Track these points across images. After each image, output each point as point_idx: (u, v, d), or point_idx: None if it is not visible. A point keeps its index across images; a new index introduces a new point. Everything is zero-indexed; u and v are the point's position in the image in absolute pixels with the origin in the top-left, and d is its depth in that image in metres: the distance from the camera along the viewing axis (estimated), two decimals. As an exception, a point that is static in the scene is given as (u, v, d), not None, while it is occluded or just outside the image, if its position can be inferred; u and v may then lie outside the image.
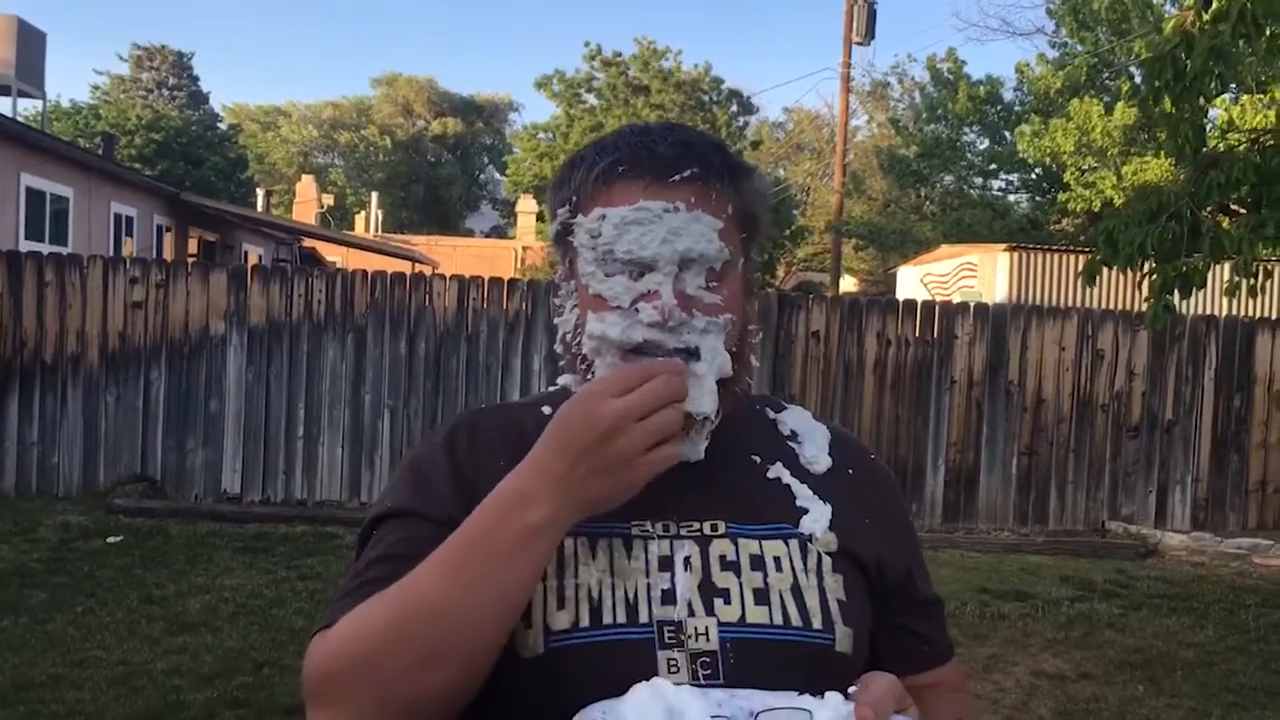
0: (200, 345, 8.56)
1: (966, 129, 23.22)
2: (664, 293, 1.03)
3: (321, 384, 8.64)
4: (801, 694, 0.93)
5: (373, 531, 1.10)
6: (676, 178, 1.05)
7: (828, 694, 0.92)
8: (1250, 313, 9.53)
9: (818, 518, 1.11)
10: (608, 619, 1.02)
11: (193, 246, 20.64)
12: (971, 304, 9.38)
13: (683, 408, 0.98)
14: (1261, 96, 13.27)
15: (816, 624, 1.05)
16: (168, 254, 18.56)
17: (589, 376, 1.08)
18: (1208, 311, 9.96)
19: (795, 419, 1.22)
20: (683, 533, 1.07)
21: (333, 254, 27.55)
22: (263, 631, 5.42)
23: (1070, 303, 13.57)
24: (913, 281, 19.06)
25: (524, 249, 31.60)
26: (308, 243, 26.57)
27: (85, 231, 15.41)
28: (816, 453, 1.17)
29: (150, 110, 34.93)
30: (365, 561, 1.06)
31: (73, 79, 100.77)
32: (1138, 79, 17.56)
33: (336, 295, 8.68)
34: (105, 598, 5.86)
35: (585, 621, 1.02)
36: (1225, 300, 7.42)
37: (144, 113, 33.78)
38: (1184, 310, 7.50)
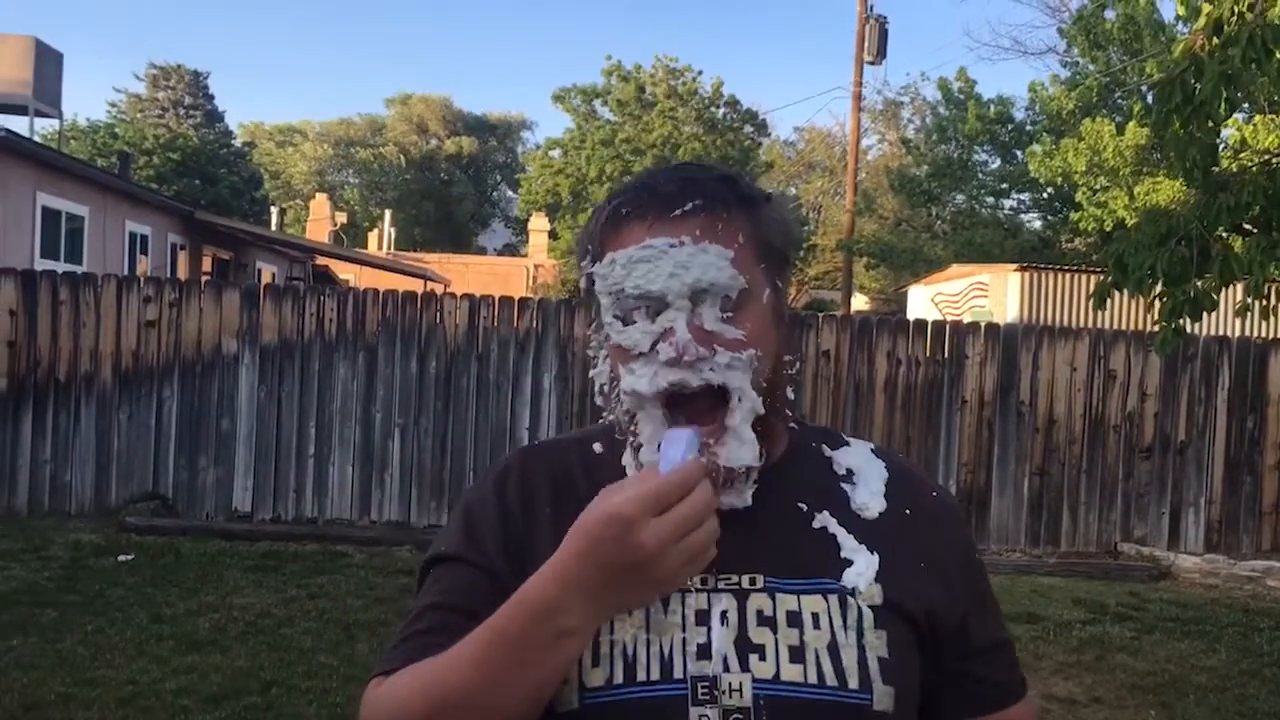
0: (213, 364, 8.60)
1: (977, 149, 23.22)
2: (678, 327, 1.03)
3: (333, 402, 8.66)
4: None
5: (429, 571, 1.14)
6: (678, 212, 1.05)
7: None
8: (1264, 334, 9.49)
9: (862, 570, 1.08)
10: (641, 676, 1.02)
11: (207, 265, 20.75)
12: (982, 324, 9.36)
13: (715, 503, 0.96)
14: (1274, 117, 13.25)
15: (853, 684, 1.03)
16: (182, 272, 18.66)
17: (633, 431, 1.07)
18: (1221, 332, 9.92)
19: (852, 457, 1.18)
20: (720, 586, 1.06)
21: (345, 272, 27.66)
22: (271, 651, 5.42)
23: (1082, 323, 13.53)
24: (924, 301, 19.04)
25: (536, 267, 31.67)
26: (321, 261, 26.69)
27: (100, 250, 15.51)
28: (869, 498, 1.14)
29: (166, 129, 35.17)
30: (418, 609, 1.10)
31: (90, 98, 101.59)
32: (1149, 99, 17.54)
33: (348, 314, 8.72)
34: (115, 616, 5.88)
35: (619, 679, 1.03)
36: (1239, 320, 7.41)
37: (160, 132, 34.01)
38: (1197, 331, 7.47)
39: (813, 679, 1.03)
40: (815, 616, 1.06)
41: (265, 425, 8.62)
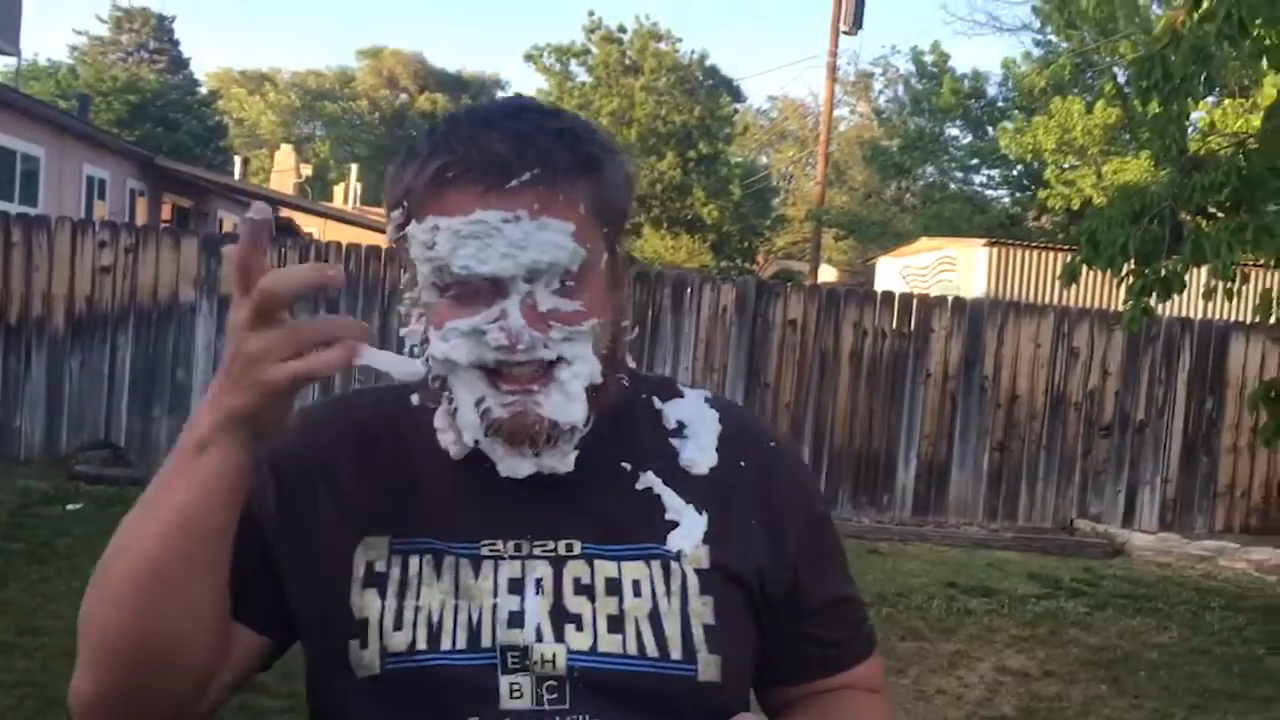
0: (169, 312, 8.43)
1: (949, 123, 23.23)
2: (510, 314, 0.93)
3: (292, 356, 8.52)
4: None
5: None
6: (515, 183, 0.93)
7: None
8: (1225, 316, 9.57)
9: (688, 532, 1.02)
10: (446, 644, 0.96)
11: (167, 212, 20.41)
12: (950, 298, 9.36)
13: (360, 360, 0.90)
14: (1244, 100, 13.31)
15: (676, 654, 0.98)
16: (141, 219, 18.32)
17: (446, 396, 0.99)
18: (1183, 314, 9.98)
19: (684, 409, 1.10)
20: (536, 553, 1.00)
21: (310, 225, 27.30)
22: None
23: (1047, 300, 13.60)
24: (892, 273, 19.08)
25: (503, 226, 31.43)
26: (285, 213, 26.29)
27: (56, 193, 15.18)
28: (698, 453, 1.06)
29: (129, 73, 34.47)
30: None
31: (50, 39, 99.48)
32: (1121, 79, 17.61)
33: (310, 266, 8.56)
34: (61, 565, 5.76)
35: (422, 645, 0.96)
36: (1201, 303, 7.44)
37: (121, 75, 33.33)
38: (1160, 312, 7.51)
39: (632, 650, 0.97)
40: (636, 584, 0.99)
41: (222, 376, 8.47)
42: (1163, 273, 4.93)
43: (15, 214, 8.70)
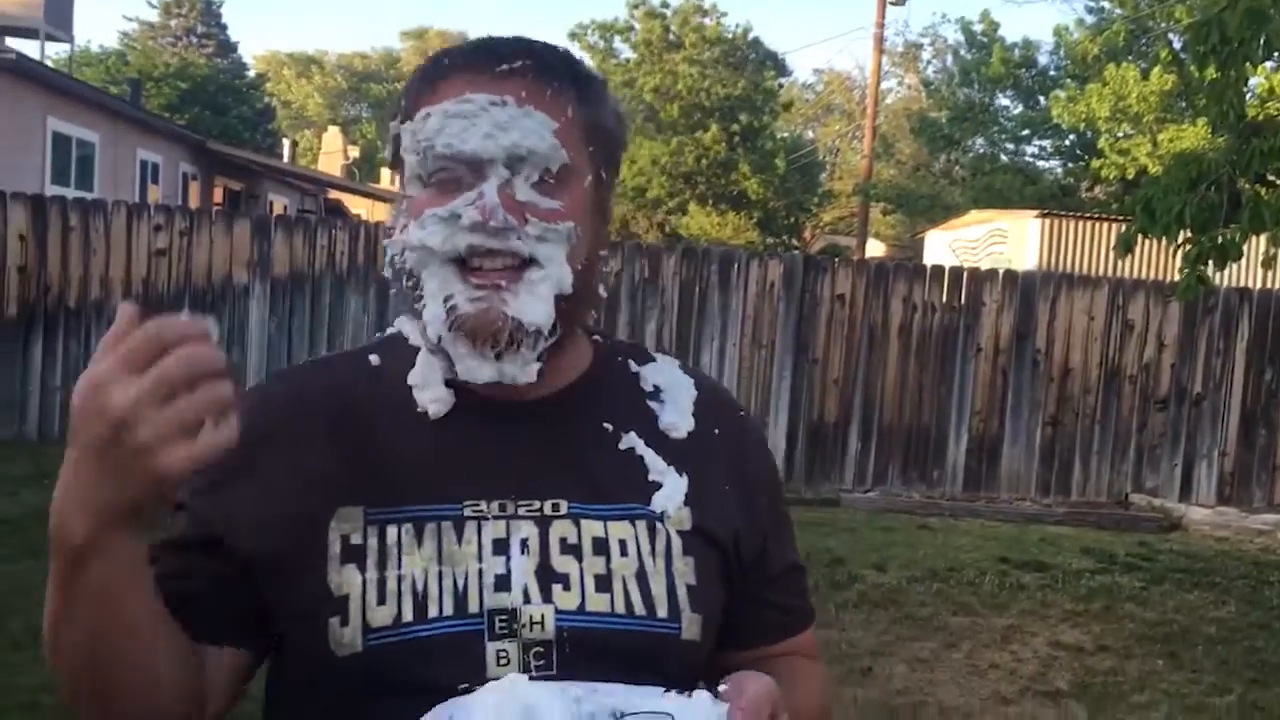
0: (223, 294, 8.55)
1: (1000, 93, 22.87)
2: (487, 191, 0.93)
3: (342, 336, 8.62)
4: (667, 690, 0.87)
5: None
6: (505, 68, 0.95)
7: (696, 693, 0.86)
8: (1285, 286, 9.35)
9: (671, 494, 1.02)
10: (434, 612, 0.94)
11: (218, 195, 20.67)
12: (1000, 270, 9.24)
13: (226, 386, 0.80)
14: (1305, 65, 12.98)
15: (662, 612, 0.98)
16: (193, 202, 18.57)
17: (418, 295, 0.96)
18: (1241, 283, 9.78)
19: (660, 373, 1.10)
20: (521, 512, 0.98)
21: (359, 206, 27.52)
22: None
23: (1101, 271, 13.39)
24: (942, 247, 18.87)
25: (549, 206, 31.47)
26: (333, 194, 26.56)
27: (111, 177, 15.43)
28: (677, 416, 1.07)
29: (178, 58, 34.87)
30: (157, 544, 1.00)
31: (101, 24, 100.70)
32: (1176, 45, 17.22)
33: (360, 247, 8.65)
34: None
35: (409, 616, 0.94)
36: (1260, 272, 7.28)
37: (171, 60, 33.72)
38: (1218, 281, 7.36)
39: (620, 608, 0.97)
40: (623, 543, 0.99)
41: (275, 357, 8.58)
42: (1220, 240, 4.83)
43: (72, 198, 8.85)
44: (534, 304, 0.94)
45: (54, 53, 23.12)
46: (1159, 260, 12.72)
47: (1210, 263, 4.95)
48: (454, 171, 0.94)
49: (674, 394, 1.09)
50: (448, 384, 1.00)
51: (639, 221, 25.86)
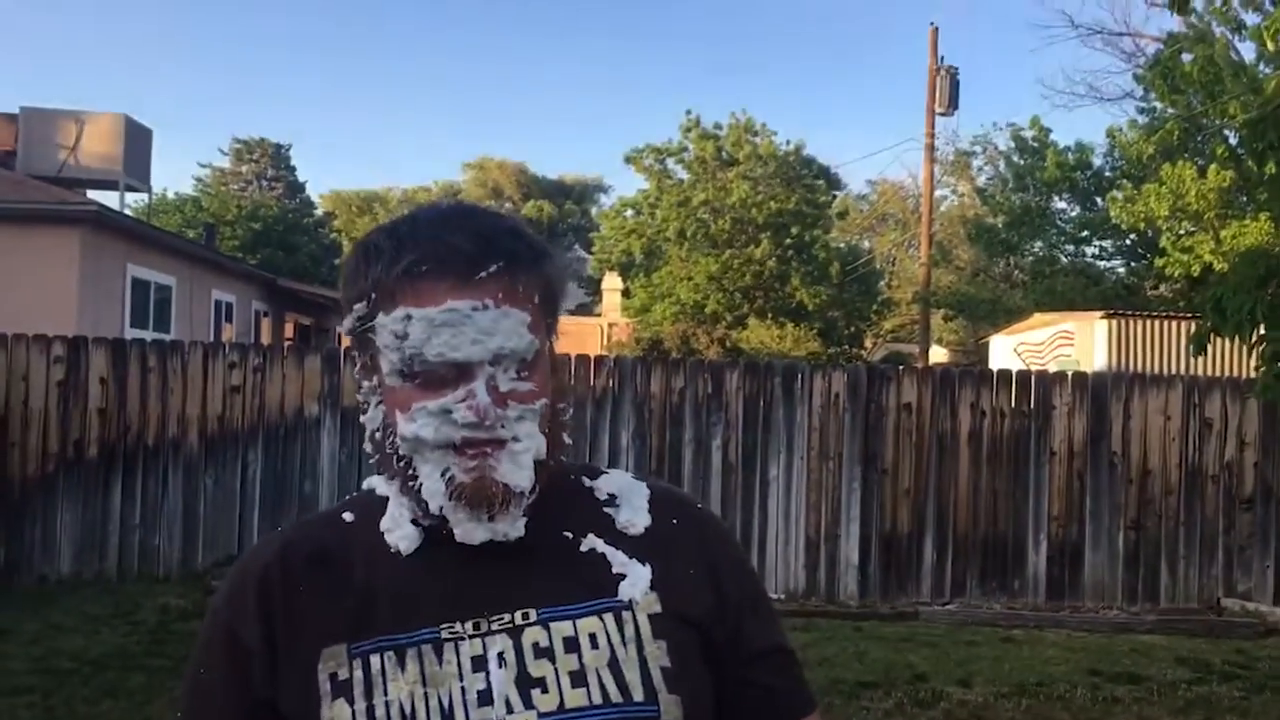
0: (295, 427, 8.71)
1: (1056, 196, 22.89)
2: (479, 393, 1.01)
3: (412, 464, 8.69)
4: None
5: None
6: (483, 275, 1.02)
7: None
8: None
9: (635, 580, 1.08)
10: None
11: (289, 330, 21.20)
12: (1069, 372, 9.13)
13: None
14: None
15: (638, 697, 1.02)
16: (265, 338, 19.07)
17: (410, 475, 1.05)
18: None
19: (612, 483, 1.18)
20: (494, 627, 1.04)
21: (423, 335, 27.98)
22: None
23: (1171, 369, 13.15)
24: (1006, 351, 18.69)
25: (610, 325, 31.81)
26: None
27: (187, 318, 15.93)
28: (633, 514, 1.14)
29: (249, 201, 36.22)
30: None
31: (177, 173, 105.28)
32: (1233, 141, 17.17)
33: (427, 376, 8.77)
34: (201, 680, 5.90)
35: None
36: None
37: (244, 203, 35.03)
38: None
39: (597, 699, 1.01)
40: (593, 637, 1.05)
41: (347, 486, 8.68)
42: (1295, 337, 4.75)
43: (150, 340, 9.14)
44: (518, 471, 1.03)
45: (133, 201, 24.14)
46: (1233, 356, 12.48)
47: (1287, 359, 4.86)
48: (440, 371, 1.03)
49: (628, 497, 1.16)
50: (414, 523, 1.08)
51: (699, 338, 25.97)
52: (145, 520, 8.62)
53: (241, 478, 8.69)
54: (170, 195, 36.88)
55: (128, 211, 20.43)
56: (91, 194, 17.02)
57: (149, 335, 11.91)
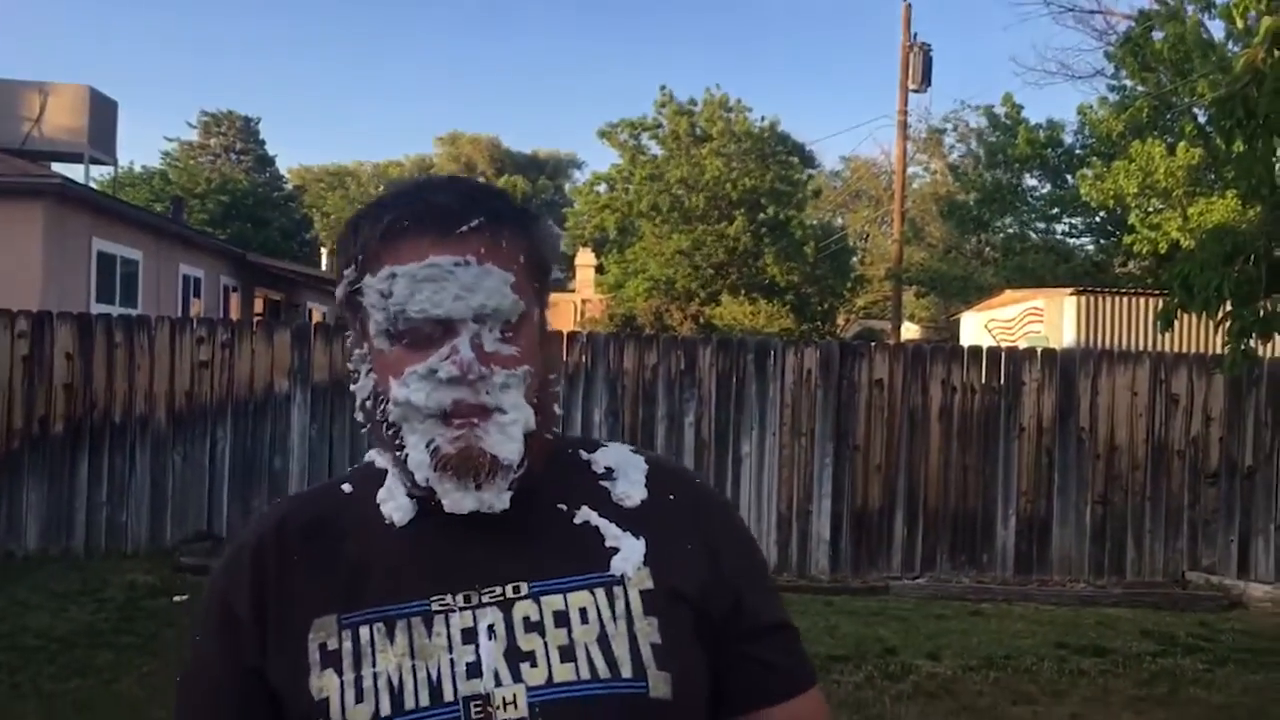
0: (265, 403, 8.65)
1: (1027, 173, 23.00)
2: (462, 347, 1.01)
3: (383, 440, 8.65)
4: None
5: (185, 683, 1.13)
6: (464, 229, 1.02)
7: None
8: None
9: (628, 555, 1.07)
10: (410, 704, 0.99)
11: (259, 306, 21.02)
12: (1039, 349, 9.19)
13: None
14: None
15: (626, 673, 1.01)
16: (234, 314, 18.90)
17: (399, 444, 1.05)
18: (1285, 353, 9.65)
19: (610, 456, 1.17)
20: (484, 600, 1.04)
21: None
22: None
23: (1139, 346, 13.28)
24: (977, 327, 18.83)
25: (583, 301, 31.76)
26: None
27: (154, 293, 15.76)
28: (629, 487, 1.13)
29: (218, 174, 35.83)
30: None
31: (144, 146, 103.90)
32: (1201, 119, 17.29)
33: (398, 351, 8.72)
34: (170, 657, 5.87)
35: (386, 710, 0.99)
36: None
37: (212, 177, 34.64)
38: (1263, 353, 7.28)
39: (585, 675, 1.01)
40: (583, 611, 1.04)
41: (318, 463, 8.64)
42: (1262, 313, 4.79)
43: (117, 315, 9.03)
44: (507, 443, 1.03)
45: (98, 174, 23.83)
46: (1199, 332, 12.61)
47: (1255, 336, 4.90)
48: (425, 329, 1.02)
49: (625, 470, 1.15)
50: (410, 495, 1.08)
51: (673, 314, 25.99)
52: (112, 497, 8.55)
53: (210, 454, 8.63)
54: (137, 169, 36.44)
55: (93, 184, 20.17)
56: (56, 166, 16.78)
57: (115, 310, 11.76)
